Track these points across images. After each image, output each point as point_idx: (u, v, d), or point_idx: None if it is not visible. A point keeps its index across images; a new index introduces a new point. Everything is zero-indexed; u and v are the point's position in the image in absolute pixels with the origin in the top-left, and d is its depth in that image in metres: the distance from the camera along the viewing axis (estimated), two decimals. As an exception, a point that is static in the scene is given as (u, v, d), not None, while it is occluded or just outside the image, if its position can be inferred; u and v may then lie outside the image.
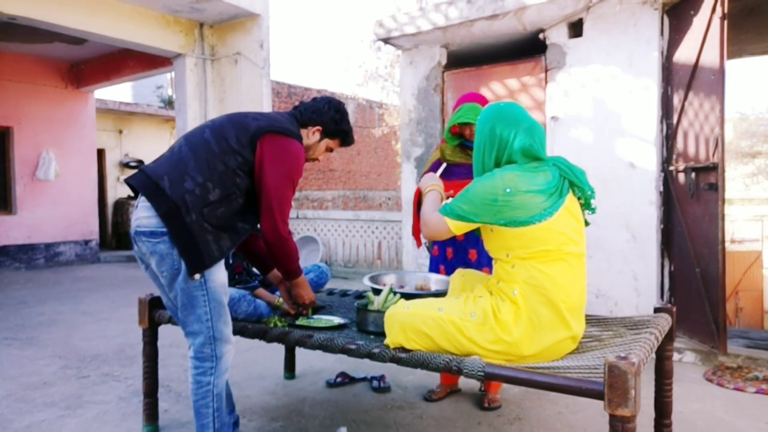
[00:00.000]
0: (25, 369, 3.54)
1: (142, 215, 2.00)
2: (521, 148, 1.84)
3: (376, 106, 15.81)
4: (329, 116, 2.27)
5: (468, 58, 5.16)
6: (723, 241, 3.39)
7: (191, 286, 2.00)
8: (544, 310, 1.76)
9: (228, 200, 2.03)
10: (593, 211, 1.91)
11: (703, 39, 3.51)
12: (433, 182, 2.16)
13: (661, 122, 3.99)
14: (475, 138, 1.98)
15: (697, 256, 3.63)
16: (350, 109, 14.72)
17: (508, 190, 1.74)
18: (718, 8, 3.37)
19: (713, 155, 3.45)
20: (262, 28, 6.85)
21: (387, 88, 15.02)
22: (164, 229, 1.95)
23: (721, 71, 3.38)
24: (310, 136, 2.28)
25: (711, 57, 3.46)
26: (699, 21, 3.56)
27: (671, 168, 3.90)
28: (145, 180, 2.02)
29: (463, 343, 1.78)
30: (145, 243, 2.00)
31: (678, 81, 3.83)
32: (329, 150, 2.36)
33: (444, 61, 5.12)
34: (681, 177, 3.81)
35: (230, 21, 7.03)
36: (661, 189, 3.98)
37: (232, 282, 2.67)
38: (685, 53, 3.74)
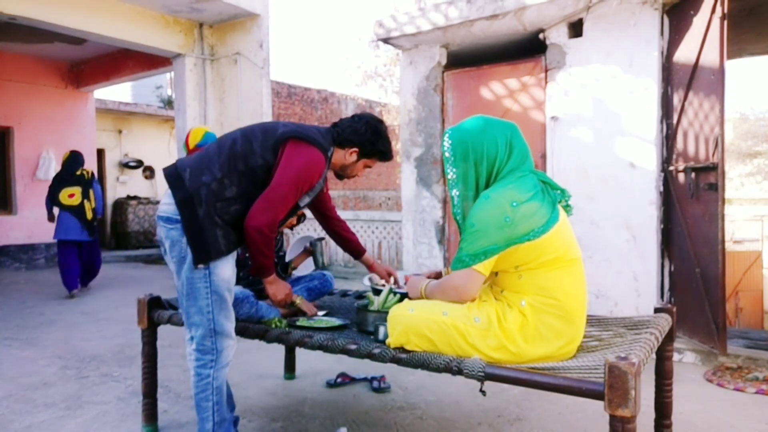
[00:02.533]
0: (24, 369, 3.54)
1: (165, 201, 2.13)
2: (519, 146, 1.83)
3: (375, 106, 15.80)
4: (366, 138, 2.27)
5: (468, 58, 5.16)
6: (723, 241, 3.39)
7: (195, 277, 2.07)
8: (554, 320, 1.74)
9: (244, 199, 2.10)
10: (570, 212, 1.90)
11: (703, 39, 3.51)
12: (420, 282, 2.04)
13: (661, 122, 3.98)
14: (454, 162, 1.85)
15: (697, 256, 3.63)
16: (350, 109, 14.71)
17: (514, 204, 1.69)
18: (718, 8, 3.37)
19: (713, 155, 3.45)
20: (262, 28, 6.84)
21: (386, 87, 15.01)
22: (178, 217, 2.06)
23: (721, 71, 3.37)
24: (347, 156, 2.30)
25: (711, 57, 3.46)
26: (699, 21, 3.56)
27: (671, 168, 3.90)
28: (172, 170, 2.16)
29: (465, 348, 1.77)
30: (162, 227, 2.13)
31: (678, 81, 3.83)
32: (367, 167, 2.39)
33: (444, 61, 5.12)
34: (681, 177, 3.81)
35: (230, 21, 7.03)
36: (661, 189, 3.98)
37: (243, 281, 2.67)
38: (685, 53, 3.74)
